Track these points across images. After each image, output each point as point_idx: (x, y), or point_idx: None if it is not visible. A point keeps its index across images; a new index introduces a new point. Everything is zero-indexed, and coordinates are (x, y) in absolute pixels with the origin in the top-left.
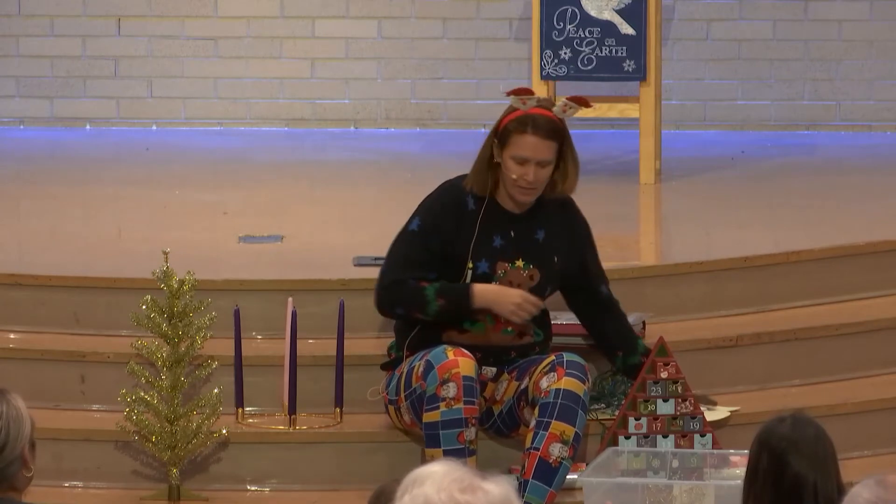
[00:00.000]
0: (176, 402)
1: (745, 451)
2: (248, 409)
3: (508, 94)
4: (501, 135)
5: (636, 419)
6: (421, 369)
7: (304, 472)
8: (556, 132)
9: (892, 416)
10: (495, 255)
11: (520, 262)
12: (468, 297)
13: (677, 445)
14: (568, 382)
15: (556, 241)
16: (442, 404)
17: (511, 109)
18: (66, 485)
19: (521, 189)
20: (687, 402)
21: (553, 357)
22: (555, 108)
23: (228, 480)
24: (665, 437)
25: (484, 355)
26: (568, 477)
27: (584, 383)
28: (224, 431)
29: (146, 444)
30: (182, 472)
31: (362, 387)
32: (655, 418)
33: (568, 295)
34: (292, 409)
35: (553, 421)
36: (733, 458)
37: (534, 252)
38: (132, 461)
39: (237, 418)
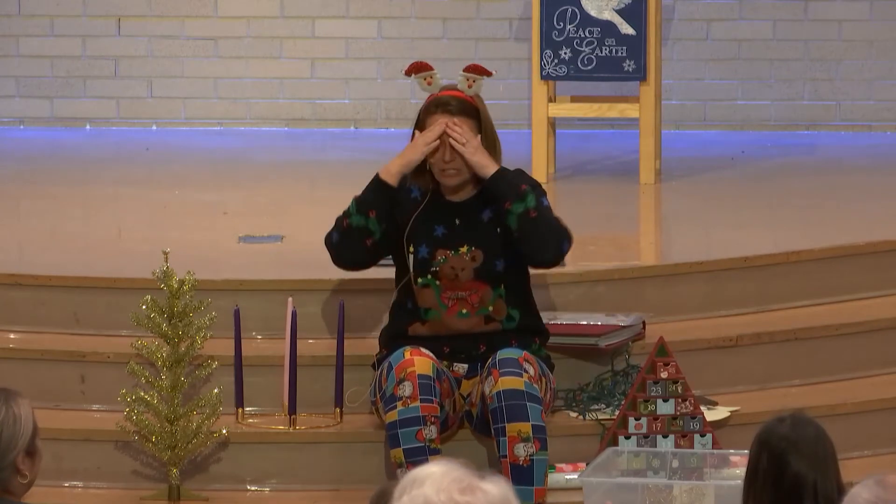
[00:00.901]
0: (176, 402)
1: (745, 451)
2: (248, 409)
3: (407, 72)
4: (419, 126)
5: (636, 419)
6: (385, 371)
7: (304, 472)
8: (466, 109)
9: (892, 416)
10: (436, 242)
11: (463, 249)
12: (375, 177)
13: (677, 445)
14: (505, 382)
15: (498, 213)
16: (399, 403)
17: (424, 103)
18: (66, 485)
19: (444, 173)
20: (687, 402)
21: (490, 359)
22: (459, 86)
23: (228, 480)
24: (665, 437)
25: (453, 350)
26: (567, 477)
27: (521, 376)
28: (224, 431)
29: (146, 444)
30: (182, 472)
31: (362, 387)
32: (655, 418)
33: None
34: (292, 409)
35: (506, 424)
36: (733, 458)
37: (478, 234)
38: (132, 461)
39: (237, 418)
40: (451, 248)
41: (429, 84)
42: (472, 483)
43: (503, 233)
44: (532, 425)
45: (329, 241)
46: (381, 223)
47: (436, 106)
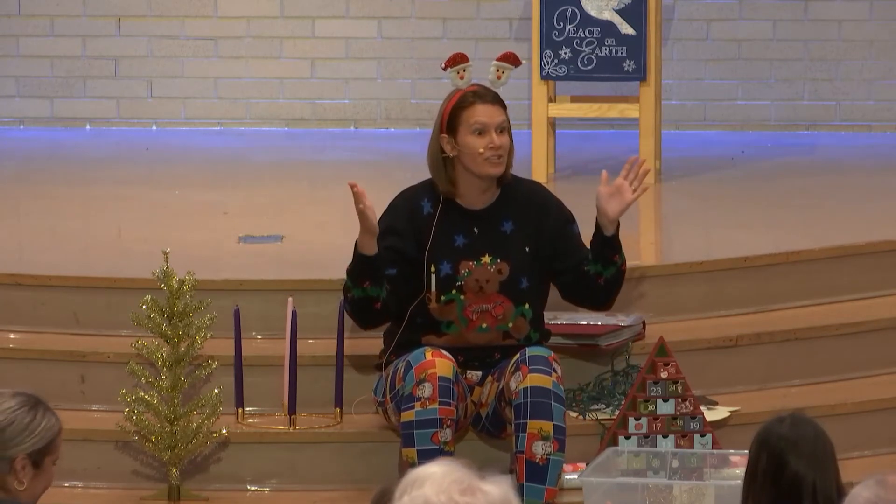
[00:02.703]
0: (176, 402)
1: (745, 451)
2: (248, 409)
3: (445, 67)
4: (449, 124)
5: (636, 419)
6: (402, 370)
7: (304, 472)
8: (499, 99)
9: (892, 416)
10: (457, 254)
11: (486, 259)
12: (355, 249)
13: (677, 445)
14: (533, 379)
15: (525, 230)
16: (417, 404)
17: (447, 102)
18: (66, 485)
19: (491, 161)
20: (687, 402)
21: (517, 355)
22: (489, 79)
23: (228, 480)
24: (665, 437)
25: (467, 358)
26: (567, 477)
27: (550, 375)
28: (224, 431)
29: (146, 444)
30: (182, 472)
31: (362, 387)
32: (655, 418)
33: (555, 279)
34: (292, 409)
35: (528, 421)
36: (733, 458)
37: (501, 245)
38: (132, 461)
39: (237, 418)
40: (472, 259)
41: (461, 78)
42: (472, 484)
43: (532, 253)
44: (554, 425)
45: (346, 312)
46: (379, 285)
47: (476, 97)
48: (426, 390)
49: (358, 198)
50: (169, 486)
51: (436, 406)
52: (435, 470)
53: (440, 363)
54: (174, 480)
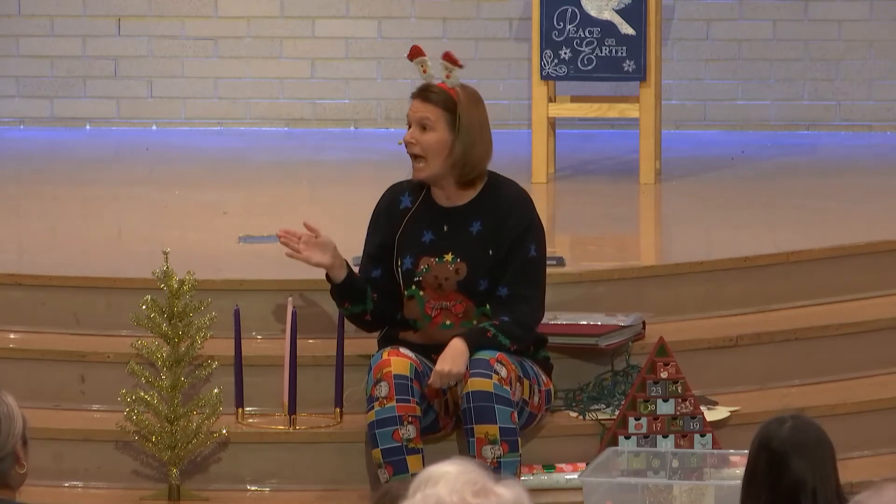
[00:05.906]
0: (176, 402)
1: (745, 451)
2: (248, 409)
3: (408, 56)
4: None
5: (636, 419)
6: (367, 372)
7: (304, 472)
8: (441, 97)
9: (892, 416)
10: (421, 250)
11: (448, 257)
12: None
13: (677, 445)
14: (474, 383)
15: (491, 233)
16: (376, 404)
17: None
18: (66, 485)
19: (413, 162)
20: (687, 402)
21: None
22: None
23: (228, 480)
24: (665, 437)
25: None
26: (567, 477)
27: (490, 378)
28: (224, 431)
29: (146, 444)
30: (182, 472)
31: (357, 388)
32: (655, 418)
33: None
34: (292, 409)
35: (474, 426)
36: (733, 458)
37: (465, 245)
38: (132, 461)
39: (237, 418)
40: (435, 256)
41: (424, 72)
42: (485, 486)
43: (495, 255)
44: (499, 427)
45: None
46: (361, 301)
47: (415, 91)
48: (383, 390)
49: (288, 245)
50: (169, 486)
51: (393, 404)
52: (449, 469)
53: (395, 361)
54: (174, 480)
